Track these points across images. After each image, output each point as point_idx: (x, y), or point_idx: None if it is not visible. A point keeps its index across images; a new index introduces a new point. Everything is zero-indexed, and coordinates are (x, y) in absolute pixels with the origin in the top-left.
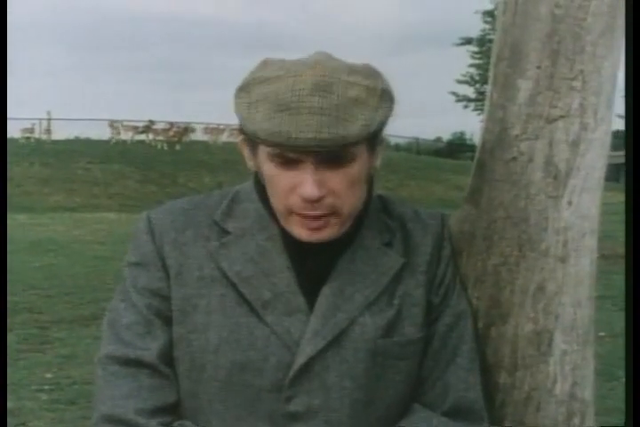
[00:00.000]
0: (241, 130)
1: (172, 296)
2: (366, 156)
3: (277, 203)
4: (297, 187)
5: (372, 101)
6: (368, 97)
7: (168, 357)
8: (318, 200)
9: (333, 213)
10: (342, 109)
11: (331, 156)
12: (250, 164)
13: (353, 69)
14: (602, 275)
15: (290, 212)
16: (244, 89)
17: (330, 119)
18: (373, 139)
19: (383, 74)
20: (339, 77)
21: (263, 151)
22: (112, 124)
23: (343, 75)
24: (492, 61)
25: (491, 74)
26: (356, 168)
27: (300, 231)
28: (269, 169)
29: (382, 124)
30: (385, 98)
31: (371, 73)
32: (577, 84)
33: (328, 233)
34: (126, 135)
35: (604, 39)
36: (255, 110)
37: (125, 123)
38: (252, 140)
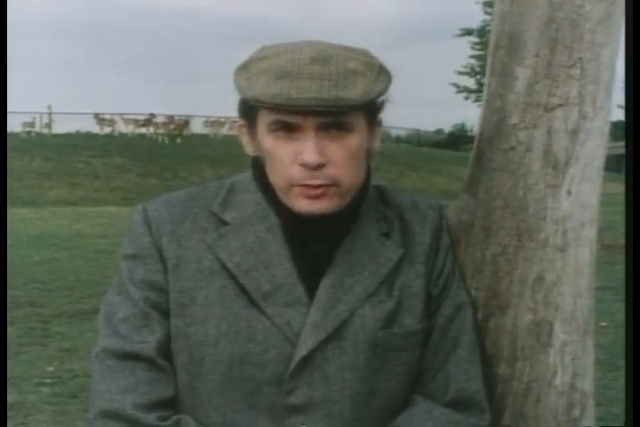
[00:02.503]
0: (240, 110)
1: (169, 289)
2: (365, 130)
3: (278, 177)
4: (298, 156)
5: (371, 74)
6: (366, 70)
7: (166, 350)
8: (318, 168)
9: (333, 184)
10: (342, 77)
11: (330, 123)
12: (249, 149)
13: (350, 48)
14: (603, 265)
15: (290, 185)
16: (242, 67)
17: (330, 83)
18: (372, 113)
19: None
20: (337, 51)
21: (263, 124)
22: (97, 116)
23: (341, 51)
24: (490, 50)
25: (489, 63)
26: (355, 140)
27: (301, 203)
28: (270, 142)
29: (380, 95)
30: (382, 73)
31: (367, 54)
32: (575, 72)
33: (327, 204)
34: (127, 129)
35: (602, 26)
36: (256, 80)
37: (126, 116)
38: (251, 118)
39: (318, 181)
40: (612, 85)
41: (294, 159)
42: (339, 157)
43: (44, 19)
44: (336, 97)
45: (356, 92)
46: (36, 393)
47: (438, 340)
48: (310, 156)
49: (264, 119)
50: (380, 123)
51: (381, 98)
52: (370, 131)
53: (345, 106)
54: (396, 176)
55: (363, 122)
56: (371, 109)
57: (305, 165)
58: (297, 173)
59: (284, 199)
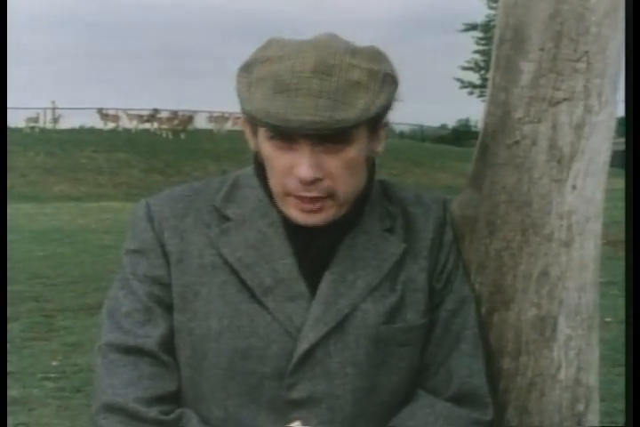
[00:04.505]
0: (242, 110)
1: (172, 284)
2: (366, 139)
3: (275, 183)
4: (293, 168)
5: (374, 85)
6: (370, 81)
7: (169, 345)
8: (314, 182)
9: (330, 195)
10: (342, 93)
11: (328, 137)
12: (251, 144)
13: (357, 51)
14: (608, 261)
15: (286, 193)
16: (245, 69)
17: (328, 102)
18: (374, 122)
19: (388, 56)
20: (341, 59)
21: (262, 131)
22: (101, 111)
23: (346, 57)
24: (495, 44)
25: (493, 57)
26: (354, 151)
27: (296, 214)
28: (268, 149)
29: (384, 108)
30: (387, 82)
31: (375, 56)
32: (581, 65)
33: (324, 217)
34: (131, 124)
35: (608, 19)
36: (255, 90)
37: (130, 111)
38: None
39: (313, 194)
40: (618, 79)
41: (290, 170)
42: (335, 170)
43: (47, 13)
44: (330, 119)
45: (354, 110)
46: (40, 388)
47: (441, 334)
48: (305, 172)
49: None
50: (385, 124)
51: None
52: (372, 136)
53: (341, 128)
54: (399, 172)
55: (364, 131)
56: (373, 118)
57: (300, 180)
58: (292, 184)
59: (281, 206)
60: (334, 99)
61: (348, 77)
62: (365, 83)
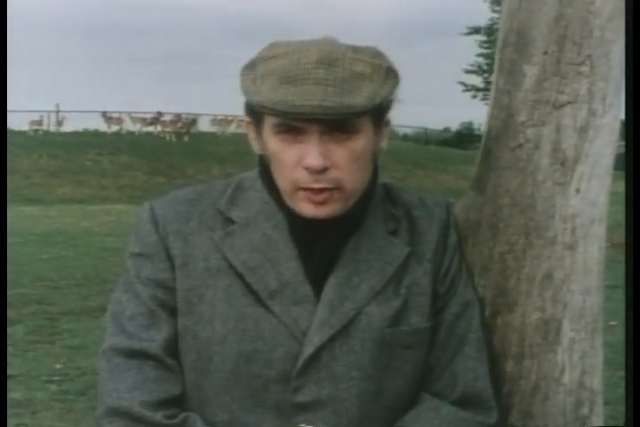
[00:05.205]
0: (246, 109)
1: (177, 287)
2: (371, 132)
3: (283, 179)
4: (302, 159)
5: (378, 77)
6: (373, 72)
7: (173, 348)
8: (322, 171)
9: (337, 187)
10: (347, 82)
11: (335, 126)
12: (255, 147)
13: (358, 49)
14: (613, 264)
15: (295, 187)
16: (249, 67)
17: (335, 89)
18: (378, 115)
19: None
20: (343, 54)
21: (268, 125)
22: (104, 114)
23: (348, 52)
24: (498, 47)
25: (496, 60)
26: (361, 143)
27: (305, 207)
28: (275, 144)
29: (387, 99)
30: (390, 75)
31: (376, 53)
32: (585, 69)
33: (332, 209)
34: (134, 127)
35: (612, 23)
36: (261, 83)
37: (134, 115)
38: (257, 118)
39: (322, 185)
40: (621, 82)
41: (298, 162)
42: (343, 161)
43: (50, 17)
44: (341, 104)
45: (361, 98)
46: (43, 390)
47: (445, 338)
48: (314, 160)
49: (269, 121)
50: (387, 122)
51: (389, 98)
52: (376, 131)
53: (349, 113)
54: (403, 175)
55: (369, 124)
56: (377, 111)
57: (309, 169)
58: (301, 176)
59: (289, 202)
60: (341, 86)
61: (353, 69)
62: (369, 74)
